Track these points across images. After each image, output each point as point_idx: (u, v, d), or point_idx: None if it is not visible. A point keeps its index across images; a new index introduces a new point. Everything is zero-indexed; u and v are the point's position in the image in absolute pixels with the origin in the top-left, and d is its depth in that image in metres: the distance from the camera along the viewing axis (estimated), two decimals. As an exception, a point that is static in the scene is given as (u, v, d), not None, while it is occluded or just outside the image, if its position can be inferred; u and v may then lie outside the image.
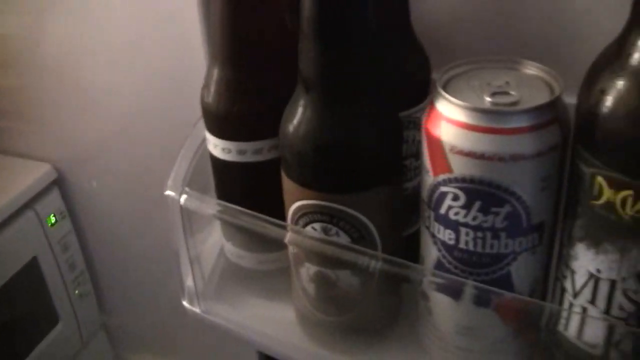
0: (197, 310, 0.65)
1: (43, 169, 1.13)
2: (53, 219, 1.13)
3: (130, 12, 0.88)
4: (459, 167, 0.48)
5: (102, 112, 1.02)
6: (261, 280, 0.66)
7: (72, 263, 1.20)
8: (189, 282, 0.65)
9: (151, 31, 0.87)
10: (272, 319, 0.65)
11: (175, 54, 0.87)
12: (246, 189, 0.63)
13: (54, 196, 1.14)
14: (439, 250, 0.52)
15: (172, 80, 0.89)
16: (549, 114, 0.47)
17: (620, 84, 0.42)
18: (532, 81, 0.50)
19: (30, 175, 1.10)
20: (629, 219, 0.43)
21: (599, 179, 0.44)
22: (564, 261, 0.50)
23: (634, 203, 0.43)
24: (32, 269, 1.10)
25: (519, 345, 0.56)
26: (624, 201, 0.43)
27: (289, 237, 0.56)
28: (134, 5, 0.87)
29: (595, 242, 0.46)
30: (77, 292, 1.21)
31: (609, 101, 0.42)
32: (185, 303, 0.66)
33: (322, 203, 0.53)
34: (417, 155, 0.55)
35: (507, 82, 0.50)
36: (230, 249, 0.67)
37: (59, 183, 1.15)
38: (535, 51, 0.53)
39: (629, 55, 0.42)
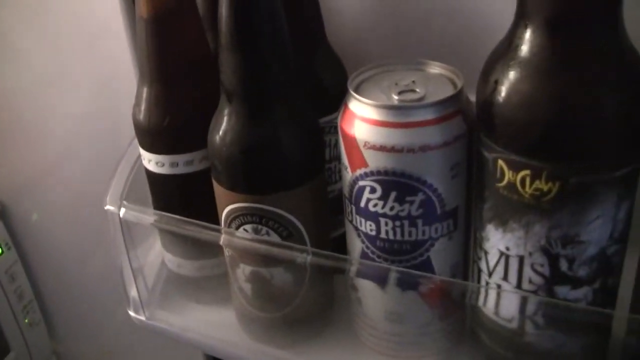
0: (142, 317, 0.68)
1: (-15, 202, 1.14)
2: (-1, 250, 1.15)
3: (59, 41, 0.90)
4: (373, 161, 0.52)
5: (40, 142, 1.04)
6: (202, 286, 0.69)
7: (20, 293, 1.21)
8: (133, 292, 0.68)
9: (81, 58, 0.90)
10: (214, 321, 0.68)
11: (106, 78, 0.89)
12: (181, 199, 0.66)
13: (-2, 228, 1.16)
14: (363, 242, 0.56)
15: (106, 104, 0.92)
16: (453, 106, 0.51)
17: (511, 73, 0.46)
18: (436, 79, 0.55)
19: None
20: (529, 197, 0.47)
21: (500, 162, 0.48)
22: (478, 243, 0.54)
23: (532, 182, 0.47)
24: (-20, 300, 1.12)
25: (445, 327, 0.60)
26: (523, 181, 0.47)
27: (222, 239, 0.59)
28: (62, 33, 0.89)
29: (502, 222, 0.50)
30: (26, 320, 1.22)
31: (502, 90, 0.47)
32: (130, 312, 0.68)
33: (251, 205, 0.57)
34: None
35: (414, 81, 0.54)
36: (170, 259, 0.70)
37: (3, 214, 1.16)
38: (440, 53, 0.57)
39: (517, 47, 0.46)
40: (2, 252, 1.16)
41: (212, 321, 0.68)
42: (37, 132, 1.03)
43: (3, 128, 1.06)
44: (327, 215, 0.61)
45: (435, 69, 0.56)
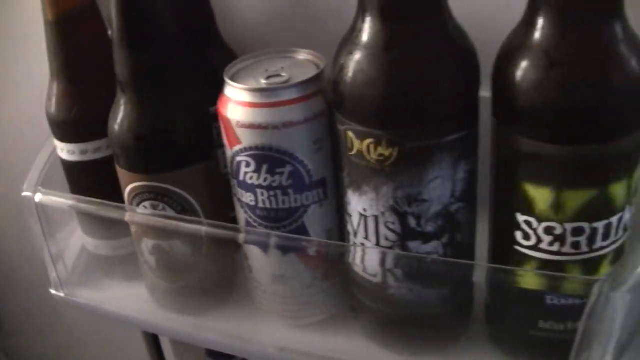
0: (62, 294, 0.75)
1: None
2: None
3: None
4: (246, 138, 0.59)
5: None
6: (118, 264, 0.76)
7: (-37, 288, 1.27)
8: (53, 274, 0.75)
9: (17, 64, 0.96)
10: (129, 295, 0.75)
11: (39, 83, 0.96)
12: (93, 183, 0.73)
13: None
14: (246, 212, 0.64)
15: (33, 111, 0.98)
16: (313, 87, 0.59)
17: (353, 56, 0.54)
18: (302, 64, 0.62)
19: None
20: (375, 162, 0.55)
21: (349, 133, 0.55)
22: (345, 209, 0.61)
23: (375, 149, 0.54)
24: None
25: (328, 288, 0.67)
26: (368, 148, 0.54)
27: (127, 216, 0.66)
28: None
29: (357, 187, 0.57)
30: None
31: (346, 71, 0.54)
32: (51, 290, 0.75)
33: (147, 184, 0.64)
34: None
35: (282, 67, 0.61)
36: (89, 241, 0.77)
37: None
38: (320, 41, 0.64)
39: (358, 33, 0.54)
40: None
41: (127, 295, 0.75)
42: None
43: None
44: (222, 193, 0.68)
45: (302, 55, 0.63)
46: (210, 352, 1.00)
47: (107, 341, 1.19)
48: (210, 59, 0.71)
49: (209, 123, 0.66)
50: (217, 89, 0.65)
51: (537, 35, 0.50)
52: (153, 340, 1.13)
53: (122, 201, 0.68)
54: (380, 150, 0.54)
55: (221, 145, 0.67)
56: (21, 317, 1.32)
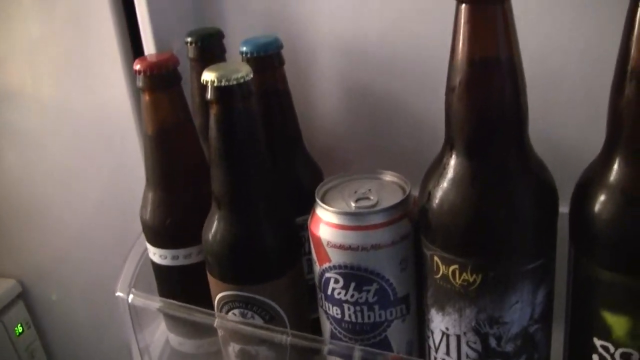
0: (147, 389, 0.79)
1: (8, 284, 1.24)
2: (20, 329, 1.24)
3: (78, 139, 1.02)
4: (336, 257, 0.63)
5: (58, 229, 1.14)
6: (200, 361, 0.80)
7: (40, 368, 1.31)
8: (140, 368, 0.79)
9: (97, 155, 1.01)
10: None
11: (118, 173, 1.01)
12: (182, 286, 0.77)
13: (20, 308, 1.26)
14: (331, 324, 0.67)
15: (117, 196, 1.03)
16: (400, 211, 0.62)
17: (440, 187, 0.57)
18: (389, 186, 0.66)
19: (-3, 291, 1.22)
20: (459, 286, 0.58)
21: (436, 258, 0.59)
22: (426, 324, 0.64)
23: (460, 274, 0.57)
24: (3, 376, 1.21)
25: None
26: (453, 273, 0.58)
27: (216, 322, 0.70)
28: (81, 133, 1.01)
29: (441, 307, 0.61)
30: (45, 395, 1.32)
31: (434, 200, 0.58)
32: (137, 385, 0.79)
33: (238, 293, 0.68)
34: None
35: (370, 189, 0.65)
36: (173, 338, 0.81)
37: (24, 296, 1.26)
38: (397, 164, 0.68)
39: (445, 165, 0.58)
40: (23, 330, 1.26)
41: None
42: (55, 219, 1.14)
43: (24, 215, 1.17)
44: (306, 300, 0.72)
45: (388, 177, 0.67)
46: None
47: None
48: (296, 171, 0.74)
49: (297, 233, 0.70)
50: (302, 200, 0.69)
51: (615, 172, 0.53)
52: None
53: (207, 304, 0.71)
54: (465, 276, 0.57)
55: (305, 253, 0.71)
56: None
